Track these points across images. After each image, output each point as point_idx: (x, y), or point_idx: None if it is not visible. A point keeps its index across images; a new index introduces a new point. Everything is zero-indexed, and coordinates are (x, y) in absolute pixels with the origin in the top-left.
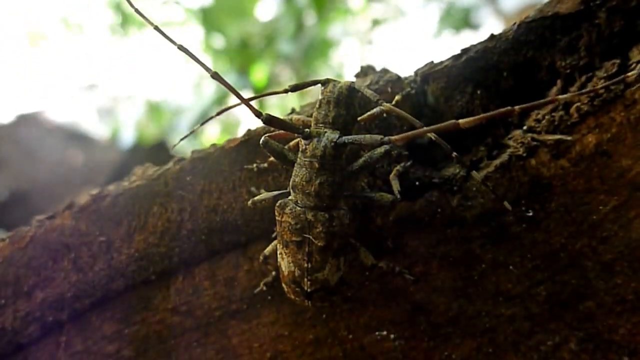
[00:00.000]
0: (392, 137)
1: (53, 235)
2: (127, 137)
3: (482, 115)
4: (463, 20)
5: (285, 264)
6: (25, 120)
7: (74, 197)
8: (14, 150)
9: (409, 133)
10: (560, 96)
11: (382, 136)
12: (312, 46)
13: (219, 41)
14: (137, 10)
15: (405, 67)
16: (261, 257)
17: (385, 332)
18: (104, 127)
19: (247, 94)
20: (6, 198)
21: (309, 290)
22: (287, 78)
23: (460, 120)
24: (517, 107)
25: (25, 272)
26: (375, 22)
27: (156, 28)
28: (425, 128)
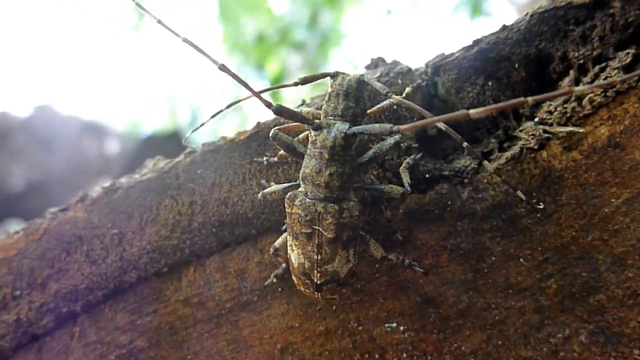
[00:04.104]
0: (401, 127)
1: (66, 228)
2: (144, 128)
3: (493, 106)
4: (476, 9)
5: (295, 255)
6: (41, 112)
7: (90, 186)
8: (31, 141)
9: (418, 122)
10: (575, 87)
11: (391, 125)
12: (326, 36)
13: (234, 36)
14: (137, 4)
15: (419, 57)
16: (271, 249)
17: (395, 324)
18: (120, 118)
19: (263, 86)
20: (23, 188)
21: (318, 282)
22: (300, 67)
23: (471, 111)
24: (529, 98)
25: (39, 264)
26: (389, 12)
27: (159, 22)
28: (434, 117)
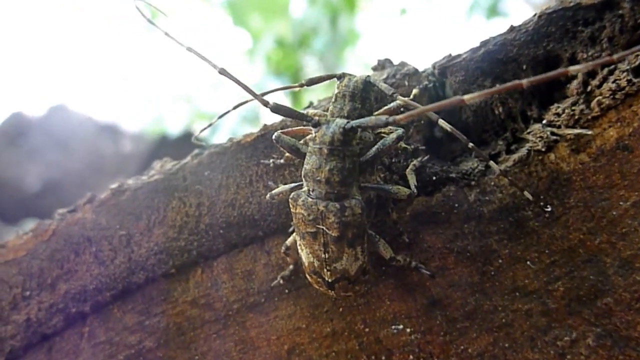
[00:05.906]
0: (397, 117)
1: (74, 229)
2: (159, 129)
3: (487, 90)
4: (492, 9)
5: (304, 255)
6: (57, 112)
7: (105, 187)
8: (47, 142)
9: (413, 111)
10: (570, 67)
11: (386, 116)
12: (341, 37)
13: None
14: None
15: (433, 58)
16: (282, 248)
17: (401, 326)
18: (134, 118)
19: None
20: (39, 188)
21: (330, 280)
22: (315, 69)
23: (465, 96)
24: (524, 81)
25: (49, 265)
26: (403, 11)
27: (166, 34)
28: (428, 106)
